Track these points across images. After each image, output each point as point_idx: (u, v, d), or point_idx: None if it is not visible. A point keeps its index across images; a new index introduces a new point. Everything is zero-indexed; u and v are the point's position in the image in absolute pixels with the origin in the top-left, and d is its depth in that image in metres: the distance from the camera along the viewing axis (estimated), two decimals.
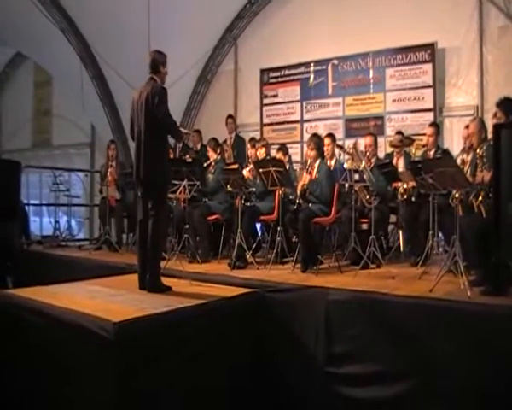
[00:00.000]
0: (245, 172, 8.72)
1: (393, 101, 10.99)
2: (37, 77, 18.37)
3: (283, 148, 9.16)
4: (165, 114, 6.01)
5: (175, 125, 6.25)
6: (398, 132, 9.32)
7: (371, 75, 11.23)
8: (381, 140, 10.09)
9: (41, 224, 16.02)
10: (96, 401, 4.65)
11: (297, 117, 12.47)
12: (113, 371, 4.55)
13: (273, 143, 10.77)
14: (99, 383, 4.64)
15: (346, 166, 8.18)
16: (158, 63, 6.23)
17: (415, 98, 10.70)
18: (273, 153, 9.49)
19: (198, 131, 11.78)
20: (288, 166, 8.30)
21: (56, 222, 11.48)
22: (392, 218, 8.62)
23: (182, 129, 6.53)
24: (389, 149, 9.62)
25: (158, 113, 5.96)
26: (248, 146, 10.01)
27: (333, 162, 8.55)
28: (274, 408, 5.85)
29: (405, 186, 7.58)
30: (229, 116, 11.65)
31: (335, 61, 11.70)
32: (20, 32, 13.86)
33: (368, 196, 7.49)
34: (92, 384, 4.71)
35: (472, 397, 4.68)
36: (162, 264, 6.49)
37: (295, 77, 12.42)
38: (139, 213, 6.29)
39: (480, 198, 5.62)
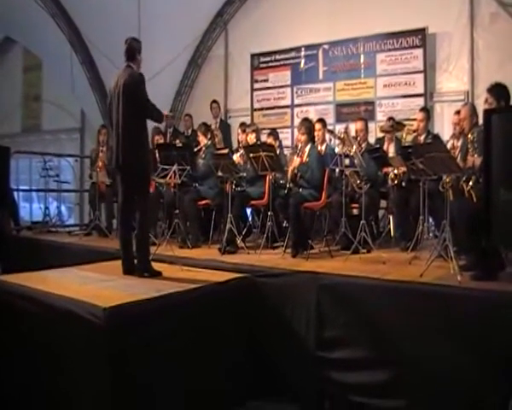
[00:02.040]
0: (235, 157, 8.72)
1: (384, 86, 10.98)
2: (26, 61, 18.24)
3: (274, 133, 9.18)
4: (145, 100, 6.04)
5: (154, 107, 6.18)
6: (390, 119, 9.32)
7: (362, 60, 11.21)
8: (371, 125, 10.08)
9: (31, 209, 15.98)
10: (90, 387, 4.66)
11: (287, 102, 12.43)
12: (105, 357, 4.54)
13: (264, 128, 10.82)
14: (92, 369, 4.63)
15: (336, 150, 8.18)
16: (134, 50, 6.23)
17: (405, 83, 10.69)
18: (263, 138, 9.48)
19: (189, 116, 11.77)
20: (278, 151, 8.30)
21: (46, 208, 11.43)
22: (383, 203, 8.65)
23: (165, 112, 6.48)
24: (380, 134, 9.62)
25: (137, 99, 5.99)
26: (239, 131, 10.00)
27: (323, 147, 8.55)
28: (265, 392, 5.85)
29: (396, 171, 7.58)
30: (214, 101, 11.70)
31: (326, 46, 11.66)
32: (10, 17, 13.76)
33: (358, 181, 7.48)
34: (85, 371, 4.71)
35: (461, 382, 4.71)
36: (152, 249, 6.49)
37: (286, 62, 12.37)
38: (119, 197, 6.33)
39: (471, 183, 5.62)
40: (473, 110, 6.41)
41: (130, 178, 6.13)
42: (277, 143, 8.96)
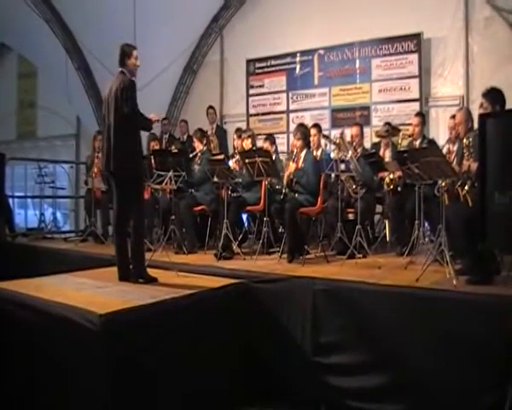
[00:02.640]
0: (231, 162, 8.72)
1: (380, 91, 10.98)
2: (21, 68, 18.20)
3: (270, 138, 9.14)
4: (132, 111, 5.97)
5: (142, 118, 6.16)
6: (386, 124, 9.31)
7: (357, 65, 11.22)
8: (367, 130, 10.11)
9: (26, 216, 15.91)
10: (88, 393, 4.63)
11: (283, 107, 12.42)
12: (102, 362, 4.54)
13: (259, 134, 10.76)
14: (89, 375, 4.62)
15: (332, 155, 8.18)
16: (124, 55, 6.18)
17: (401, 88, 10.70)
18: (259, 143, 9.47)
19: (185, 122, 11.77)
20: (274, 157, 8.30)
21: (42, 214, 11.41)
22: (379, 208, 8.64)
23: (152, 115, 6.43)
24: (375, 139, 9.62)
25: (125, 108, 5.94)
26: (234, 137, 10.00)
27: (319, 153, 8.54)
28: (262, 397, 5.84)
29: (391, 176, 7.58)
30: (210, 107, 11.70)
31: (321, 52, 11.67)
32: (4, 23, 13.72)
33: (354, 186, 7.48)
34: (83, 377, 4.69)
35: (458, 384, 4.71)
36: (148, 255, 6.48)
37: (281, 67, 12.37)
38: (114, 204, 6.30)
39: (466, 187, 5.63)
40: (468, 115, 6.43)
41: (124, 184, 6.11)
42: (273, 149, 8.94)
